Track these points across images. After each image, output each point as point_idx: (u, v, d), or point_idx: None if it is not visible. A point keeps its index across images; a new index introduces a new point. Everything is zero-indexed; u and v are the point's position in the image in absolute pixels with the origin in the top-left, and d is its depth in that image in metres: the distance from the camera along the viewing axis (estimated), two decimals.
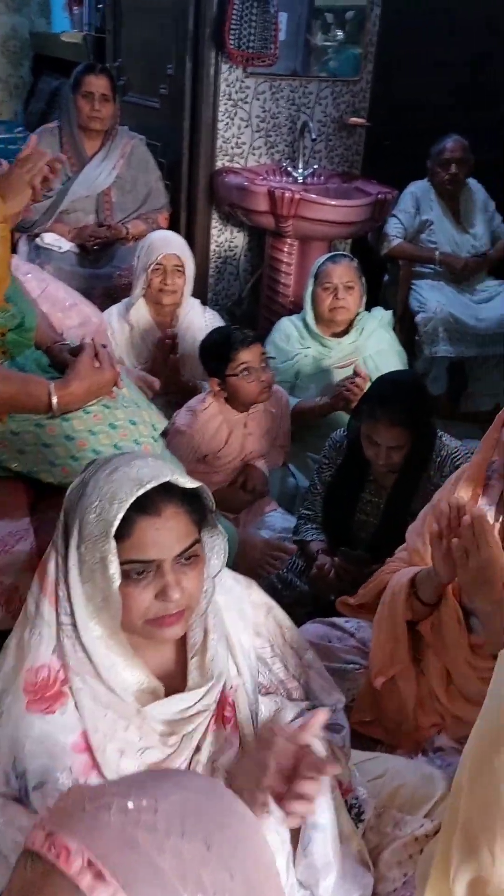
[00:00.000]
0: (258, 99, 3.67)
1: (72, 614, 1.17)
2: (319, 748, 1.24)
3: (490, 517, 1.61)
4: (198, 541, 1.19)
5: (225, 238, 3.89)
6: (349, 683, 1.77)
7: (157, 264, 2.69)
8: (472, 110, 4.05)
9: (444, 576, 1.58)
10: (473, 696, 1.66)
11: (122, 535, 1.12)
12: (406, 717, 1.73)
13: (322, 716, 1.12)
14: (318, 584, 2.15)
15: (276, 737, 1.09)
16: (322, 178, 3.81)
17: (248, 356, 2.34)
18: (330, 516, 2.28)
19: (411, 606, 1.67)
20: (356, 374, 2.53)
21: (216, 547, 1.26)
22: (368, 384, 2.40)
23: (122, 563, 1.12)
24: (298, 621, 1.51)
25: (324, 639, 1.87)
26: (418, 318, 3.60)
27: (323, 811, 1.21)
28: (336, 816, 1.25)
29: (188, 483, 1.17)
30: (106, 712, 1.17)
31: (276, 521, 2.46)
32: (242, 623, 1.32)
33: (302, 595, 2.21)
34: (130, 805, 0.68)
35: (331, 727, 1.37)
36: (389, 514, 2.17)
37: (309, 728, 1.09)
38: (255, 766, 1.07)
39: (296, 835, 1.20)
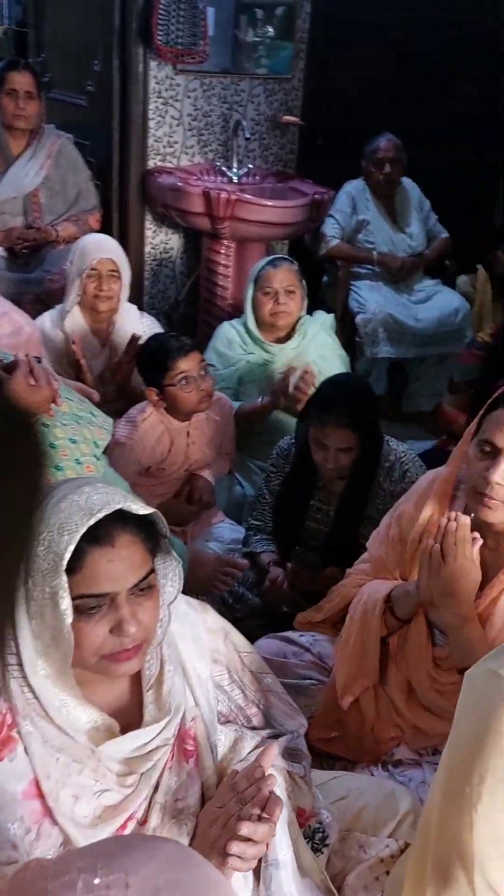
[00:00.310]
0: (189, 97, 3.60)
1: (18, 654, 1.09)
2: (279, 780, 1.21)
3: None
4: (153, 570, 1.13)
5: (160, 240, 3.81)
6: (307, 700, 1.74)
7: (91, 269, 2.60)
8: (406, 108, 4.07)
9: (422, 583, 1.54)
10: (434, 707, 1.64)
11: (72, 567, 1.06)
12: (366, 732, 1.70)
13: (274, 750, 1.14)
14: (271, 597, 2.10)
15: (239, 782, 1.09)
16: (257, 177, 3.76)
17: (186, 365, 2.28)
18: (280, 525, 2.24)
19: (385, 622, 1.64)
20: (305, 372, 2.50)
21: (170, 573, 1.21)
22: (317, 382, 2.37)
23: (73, 598, 1.06)
24: (252, 635, 1.47)
25: (279, 655, 1.83)
26: (358, 319, 3.59)
27: (282, 847, 1.19)
28: (295, 850, 1.22)
29: (141, 509, 1.11)
30: (58, 756, 1.10)
31: (225, 532, 2.41)
32: (198, 651, 1.27)
33: (254, 608, 2.17)
34: (97, 881, 0.62)
35: (292, 754, 1.33)
36: (339, 521, 2.15)
37: (264, 763, 1.11)
38: (220, 820, 1.07)
39: (256, 872, 1.17)
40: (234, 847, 1.04)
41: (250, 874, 1.17)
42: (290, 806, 1.26)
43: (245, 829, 1.05)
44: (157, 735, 1.16)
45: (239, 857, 1.05)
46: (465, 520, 1.47)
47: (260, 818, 1.07)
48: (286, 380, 2.53)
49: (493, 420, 1.47)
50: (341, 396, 2.07)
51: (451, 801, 1.02)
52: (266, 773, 1.12)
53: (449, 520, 1.47)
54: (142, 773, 1.14)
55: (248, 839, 1.05)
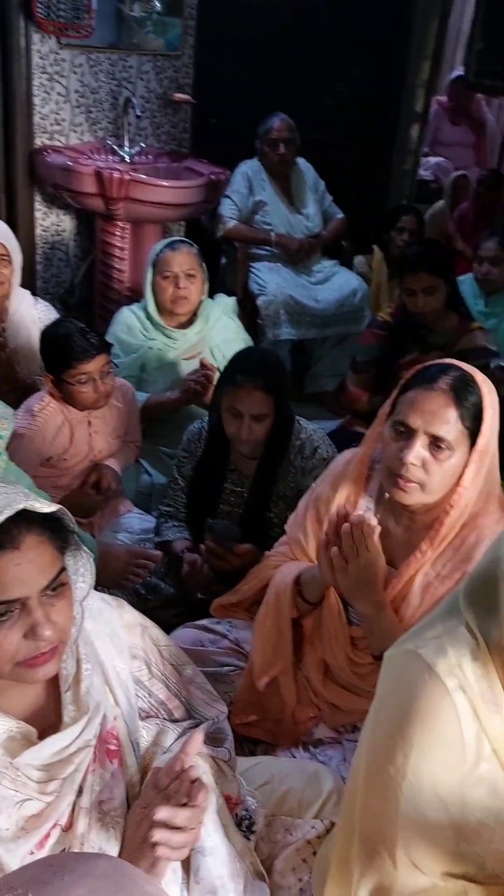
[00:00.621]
0: (76, 72, 3.48)
1: None
2: (204, 767, 1.20)
3: (371, 512, 1.61)
4: (63, 569, 1.09)
5: (51, 222, 3.68)
6: (226, 686, 1.73)
7: None
8: (298, 88, 4.07)
9: (330, 581, 1.56)
10: (350, 686, 1.66)
11: None
12: (286, 714, 1.71)
13: (199, 739, 1.12)
14: (191, 581, 2.07)
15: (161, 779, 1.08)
16: (150, 157, 3.68)
17: (90, 367, 2.20)
18: (194, 510, 2.21)
19: (296, 605, 1.65)
20: (203, 366, 2.46)
21: (81, 569, 1.16)
22: (217, 375, 2.35)
23: None
24: (167, 624, 1.45)
25: (196, 644, 1.81)
26: (259, 301, 3.58)
27: (209, 834, 1.18)
28: (226, 836, 1.21)
29: (46, 507, 1.06)
30: None
31: (133, 522, 2.36)
32: (116, 648, 1.24)
33: (168, 598, 2.13)
34: None
35: (214, 739, 1.32)
36: (253, 502, 2.14)
37: (187, 753, 1.10)
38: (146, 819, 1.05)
39: (186, 863, 1.15)
40: (157, 834, 1.03)
41: (178, 867, 1.15)
42: (218, 792, 1.24)
43: (161, 813, 1.03)
44: (78, 737, 1.12)
45: (165, 844, 1.03)
46: (359, 518, 1.49)
47: (185, 805, 1.06)
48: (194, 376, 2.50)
49: (407, 402, 1.49)
50: (253, 361, 2.08)
51: (375, 781, 1.03)
52: (186, 765, 1.10)
53: (339, 517, 1.49)
54: (64, 778, 1.10)
55: (173, 827, 1.04)
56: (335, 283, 3.79)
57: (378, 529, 1.48)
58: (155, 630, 1.33)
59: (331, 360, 3.83)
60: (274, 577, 1.71)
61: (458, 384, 1.46)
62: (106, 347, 2.25)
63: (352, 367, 3.10)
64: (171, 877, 1.14)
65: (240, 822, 1.33)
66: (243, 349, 2.25)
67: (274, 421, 2.04)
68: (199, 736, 1.15)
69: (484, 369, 2.25)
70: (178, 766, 1.11)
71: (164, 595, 2.13)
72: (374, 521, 1.49)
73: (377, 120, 4.44)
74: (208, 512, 2.16)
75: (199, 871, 1.15)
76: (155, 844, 1.04)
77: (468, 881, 1.01)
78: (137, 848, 1.06)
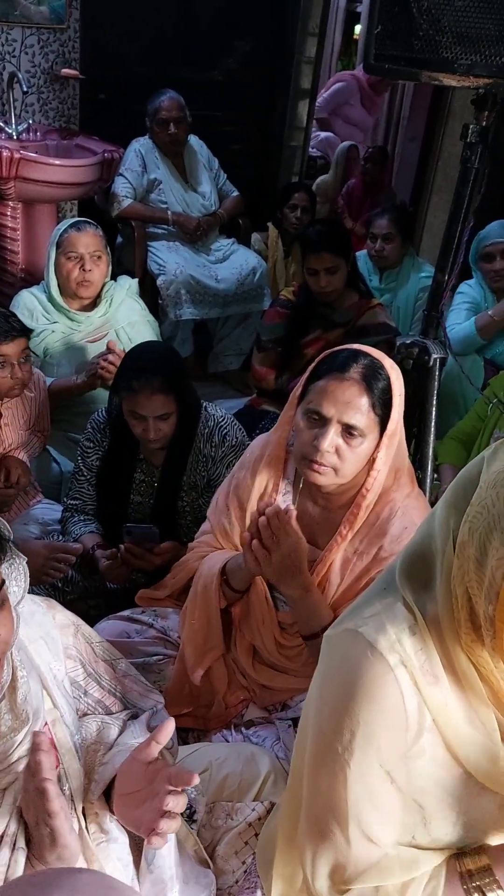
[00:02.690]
0: None
1: None
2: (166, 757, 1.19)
3: (289, 496, 1.62)
4: (3, 582, 1.04)
5: None
6: (155, 675, 1.72)
7: None
8: (187, 62, 4.00)
9: (256, 572, 1.57)
10: (279, 667, 1.68)
11: None
12: (217, 700, 1.72)
13: (169, 728, 1.10)
14: (109, 576, 2.03)
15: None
16: (38, 134, 3.54)
17: (8, 350, 2.12)
18: (104, 502, 2.16)
19: (223, 595, 1.65)
20: (109, 350, 2.41)
21: (14, 573, 1.12)
22: (127, 349, 2.29)
23: None
24: (87, 616, 1.42)
25: (122, 635, 1.78)
26: (159, 281, 3.53)
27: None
28: None
29: None
30: None
31: (45, 512, 2.30)
32: (52, 651, 1.21)
33: (86, 589, 2.09)
34: None
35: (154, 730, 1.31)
36: (164, 492, 2.12)
37: (154, 742, 1.08)
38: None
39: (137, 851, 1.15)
40: (163, 824, 1.02)
41: (128, 858, 1.16)
42: None
43: (171, 803, 1.02)
44: (17, 746, 1.08)
45: (166, 832, 1.03)
46: (275, 509, 1.50)
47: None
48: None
49: (318, 390, 1.50)
50: (147, 362, 2.02)
51: (323, 760, 1.04)
52: (155, 753, 1.09)
53: (258, 512, 1.50)
54: (3, 790, 1.07)
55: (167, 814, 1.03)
56: (234, 261, 3.78)
57: (294, 513, 1.50)
58: (86, 628, 1.31)
59: (234, 339, 3.82)
60: (200, 569, 1.70)
61: (368, 373, 1.49)
62: (26, 332, 2.18)
63: (256, 345, 3.10)
64: (121, 871, 1.14)
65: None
66: (134, 348, 2.17)
67: (179, 414, 2.01)
68: (170, 724, 1.12)
69: (389, 347, 2.32)
70: (150, 755, 1.09)
71: (82, 587, 2.08)
72: (291, 507, 1.51)
73: (266, 96, 4.44)
74: (119, 503, 2.12)
75: (153, 861, 1.15)
76: (156, 834, 1.03)
77: (416, 848, 1.05)
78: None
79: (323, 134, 6.15)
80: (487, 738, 0.99)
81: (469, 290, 3.12)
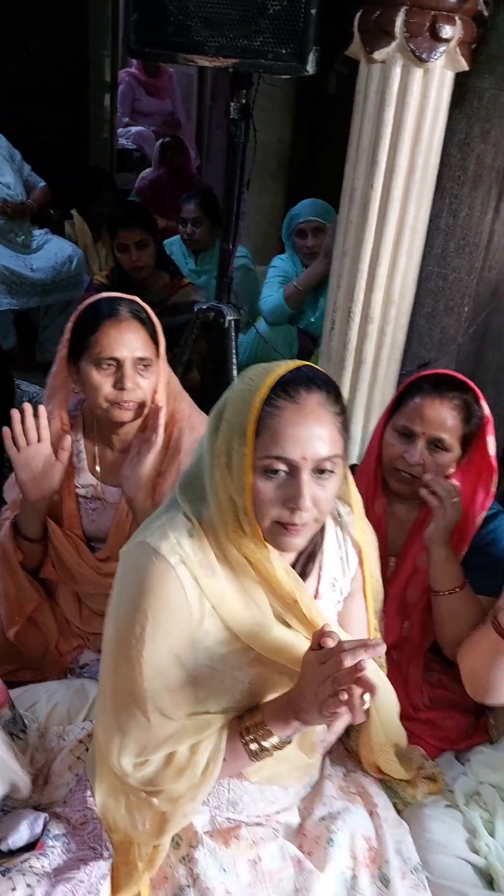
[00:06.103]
0: None
1: None
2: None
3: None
4: None
5: None
6: None
7: None
8: None
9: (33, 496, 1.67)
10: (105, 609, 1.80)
11: None
12: (49, 648, 1.81)
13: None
14: None
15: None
16: None
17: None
18: None
19: (19, 546, 1.74)
20: None
21: None
22: None
23: None
24: None
25: None
26: None
27: None
28: None
29: None
30: None
31: None
32: None
33: None
34: None
35: None
36: None
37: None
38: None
39: None
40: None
41: None
42: None
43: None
44: None
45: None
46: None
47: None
48: None
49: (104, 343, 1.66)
50: None
51: (121, 654, 1.20)
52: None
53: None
54: None
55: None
56: (49, 250, 3.84)
57: (69, 441, 1.68)
58: None
59: (58, 327, 3.80)
60: None
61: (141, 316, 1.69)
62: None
63: None
64: None
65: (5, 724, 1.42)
66: None
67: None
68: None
69: (207, 316, 2.46)
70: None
71: None
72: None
73: (67, 90, 4.52)
74: None
75: None
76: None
77: (208, 714, 1.23)
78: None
79: (135, 129, 6.26)
80: (261, 615, 1.19)
81: (281, 264, 3.35)
